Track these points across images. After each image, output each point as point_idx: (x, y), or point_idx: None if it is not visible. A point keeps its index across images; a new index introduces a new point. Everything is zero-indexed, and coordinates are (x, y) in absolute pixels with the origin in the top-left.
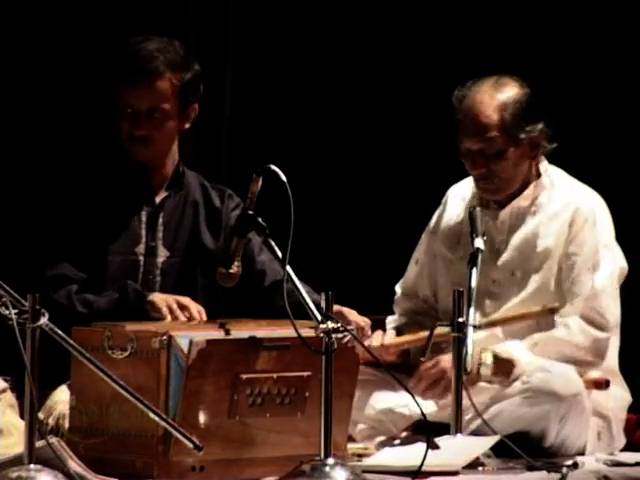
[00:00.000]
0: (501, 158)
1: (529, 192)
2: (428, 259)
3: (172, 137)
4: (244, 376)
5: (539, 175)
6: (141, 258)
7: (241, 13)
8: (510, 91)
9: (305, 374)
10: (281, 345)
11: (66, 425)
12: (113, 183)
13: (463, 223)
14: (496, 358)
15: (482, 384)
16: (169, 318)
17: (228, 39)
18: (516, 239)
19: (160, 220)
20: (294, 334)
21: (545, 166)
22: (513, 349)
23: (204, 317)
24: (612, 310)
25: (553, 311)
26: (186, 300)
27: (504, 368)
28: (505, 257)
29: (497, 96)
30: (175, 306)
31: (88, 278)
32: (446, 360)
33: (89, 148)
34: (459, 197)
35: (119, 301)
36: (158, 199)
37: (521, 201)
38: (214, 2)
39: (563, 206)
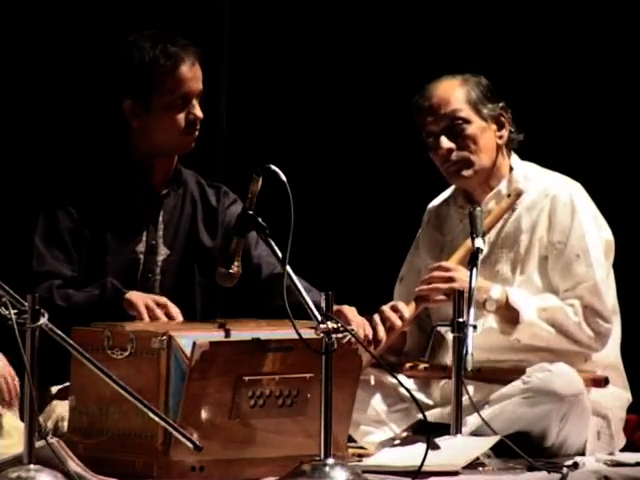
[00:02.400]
0: (467, 131)
1: (502, 186)
2: (412, 275)
3: None
4: (246, 378)
5: (511, 170)
6: (141, 257)
7: (237, 14)
8: (467, 76)
9: (307, 375)
10: (284, 347)
11: (65, 427)
12: (114, 182)
13: (444, 234)
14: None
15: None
16: (146, 317)
17: (224, 39)
18: (496, 235)
19: (160, 218)
20: (296, 335)
21: (517, 161)
22: (522, 305)
23: (180, 317)
24: (609, 299)
25: (519, 194)
26: (163, 299)
27: (509, 314)
28: (487, 254)
29: (457, 80)
30: (152, 304)
31: (87, 277)
32: (457, 268)
33: (90, 148)
34: (437, 211)
35: (97, 297)
36: (158, 197)
37: (496, 196)
38: (210, 3)
39: (540, 195)
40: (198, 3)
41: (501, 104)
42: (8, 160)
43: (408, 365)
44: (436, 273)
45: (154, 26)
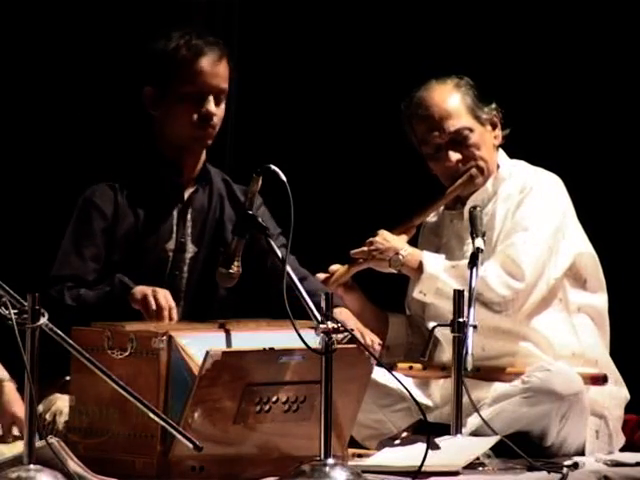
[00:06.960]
0: (471, 140)
1: (489, 184)
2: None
3: None
4: (255, 387)
5: (498, 167)
6: (170, 254)
7: (247, 15)
8: (455, 80)
9: (317, 385)
10: (295, 357)
11: (62, 421)
12: (144, 179)
13: (440, 236)
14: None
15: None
16: (153, 303)
17: (233, 41)
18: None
19: (189, 216)
20: (307, 345)
21: (504, 158)
22: (428, 258)
23: (174, 313)
24: (531, 263)
25: (472, 177)
26: (162, 292)
27: (417, 272)
28: (470, 249)
29: (448, 86)
30: (150, 293)
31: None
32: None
33: (121, 148)
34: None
35: (106, 294)
36: (186, 195)
37: (483, 194)
38: (220, 4)
39: (517, 189)
40: (208, 4)
41: (493, 105)
42: (35, 161)
43: (406, 365)
44: (367, 240)
45: (164, 28)
